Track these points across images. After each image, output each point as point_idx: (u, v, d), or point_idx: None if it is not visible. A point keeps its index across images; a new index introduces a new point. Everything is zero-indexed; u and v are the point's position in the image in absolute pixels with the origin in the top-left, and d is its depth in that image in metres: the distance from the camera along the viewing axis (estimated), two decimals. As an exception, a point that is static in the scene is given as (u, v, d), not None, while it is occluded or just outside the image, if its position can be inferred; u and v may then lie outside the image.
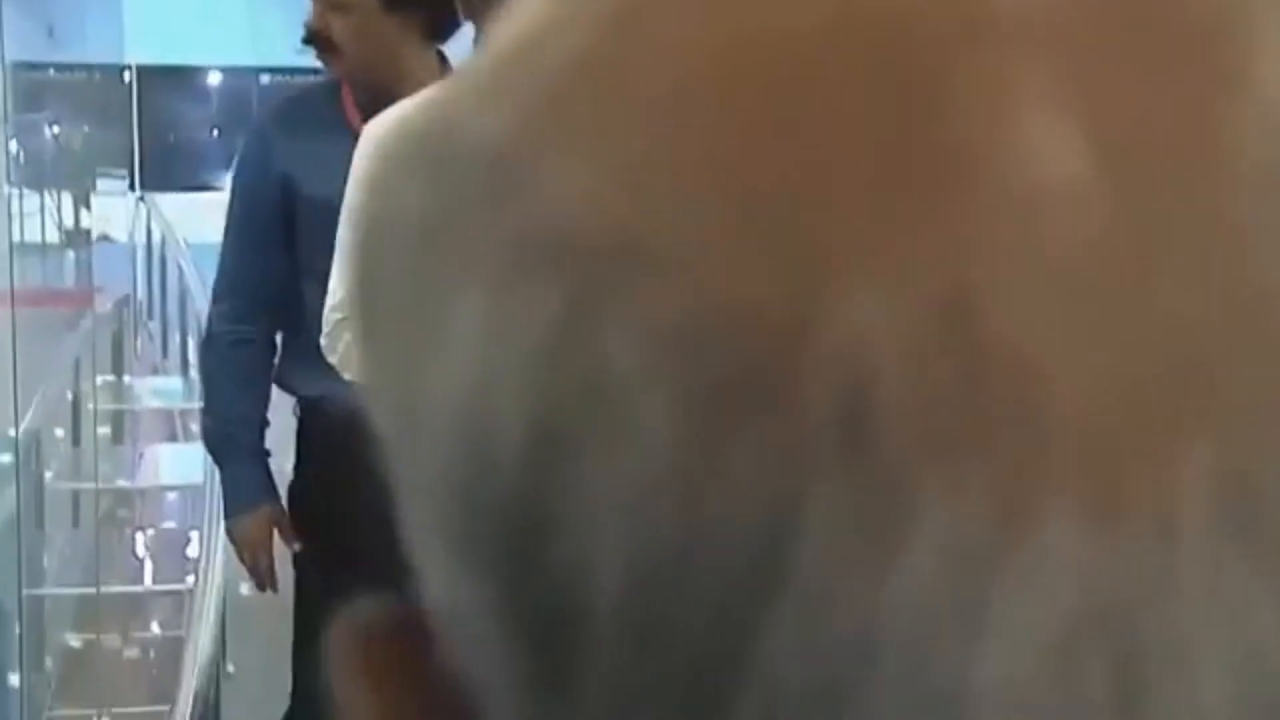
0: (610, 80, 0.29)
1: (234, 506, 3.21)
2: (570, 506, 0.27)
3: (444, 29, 3.13)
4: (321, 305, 2.94)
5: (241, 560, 3.24)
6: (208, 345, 3.25)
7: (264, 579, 3.23)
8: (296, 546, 3.15)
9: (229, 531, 3.24)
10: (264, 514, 3.16)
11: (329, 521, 3.06)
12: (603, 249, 0.27)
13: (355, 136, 2.98)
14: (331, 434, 2.96)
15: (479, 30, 2.79)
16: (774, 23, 0.28)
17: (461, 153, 0.31)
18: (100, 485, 5.88)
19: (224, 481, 3.26)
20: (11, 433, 5.23)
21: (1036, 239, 0.25)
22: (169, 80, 18.88)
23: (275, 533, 3.18)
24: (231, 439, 3.15)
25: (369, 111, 2.98)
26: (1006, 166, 0.26)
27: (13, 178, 8.68)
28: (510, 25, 0.32)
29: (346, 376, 2.78)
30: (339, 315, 2.73)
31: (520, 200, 0.29)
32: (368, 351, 0.34)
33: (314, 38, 3.08)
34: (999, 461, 0.25)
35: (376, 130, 2.75)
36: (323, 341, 2.76)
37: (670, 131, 0.28)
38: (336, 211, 2.93)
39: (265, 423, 3.19)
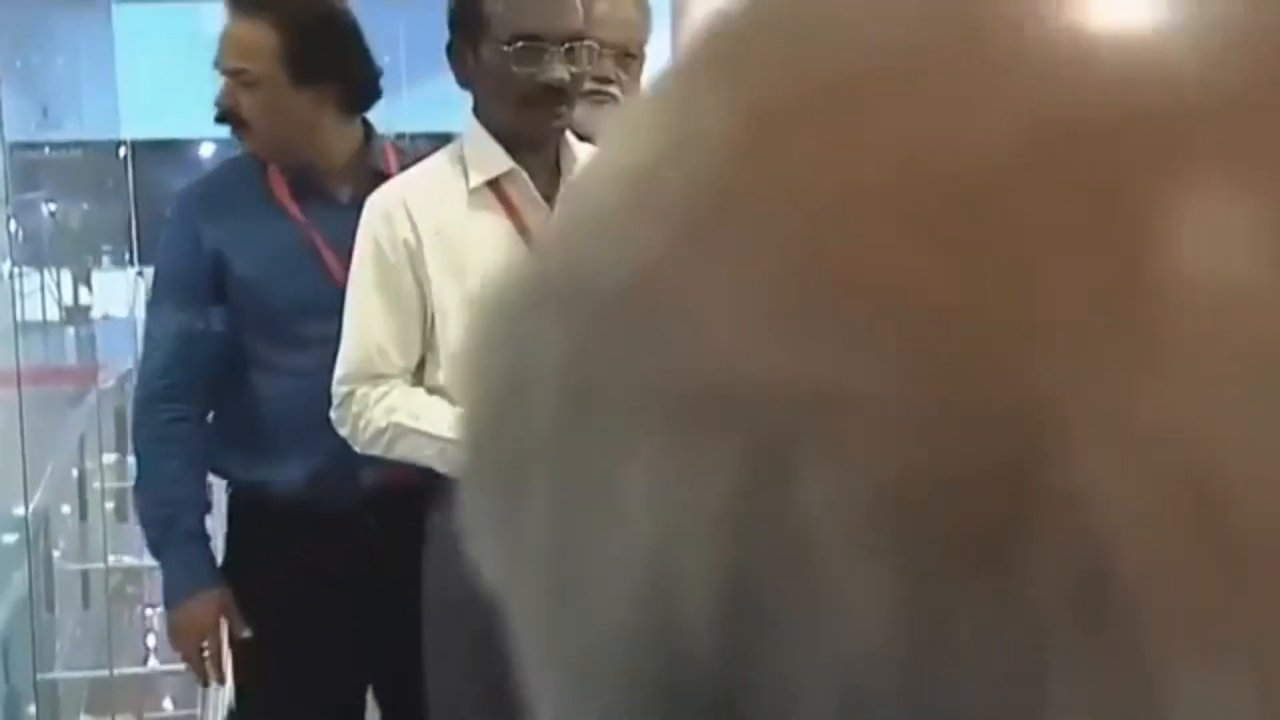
0: (759, 205, 0.26)
1: (178, 594, 3.04)
2: (770, 684, 0.25)
3: (363, 100, 3.06)
4: (252, 380, 2.94)
5: (181, 650, 3.09)
6: (143, 424, 3.08)
7: (209, 669, 3.08)
8: (246, 632, 3.02)
9: (171, 621, 3.08)
10: (211, 599, 3.01)
11: (263, 607, 2.99)
12: (782, 401, 0.25)
13: (284, 211, 2.97)
14: (268, 519, 2.94)
15: (476, 97, 2.79)
16: (948, 137, 0.25)
17: (600, 295, 0.28)
18: (109, 564, 5.85)
19: (165, 568, 3.09)
20: (19, 512, 5.22)
21: (1276, 395, 0.23)
22: (163, 154, 18.91)
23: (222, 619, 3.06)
24: (172, 522, 3.00)
25: (298, 186, 2.98)
26: (1229, 312, 0.23)
27: (13, 256, 8.70)
28: (620, 143, 0.30)
29: (356, 449, 2.76)
30: (347, 389, 2.72)
31: (676, 347, 0.26)
32: (502, 519, 0.31)
33: (225, 114, 2.99)
34: (1263, 653, 0.22)
35: (381, 202, 2.75)
36: (333, 415, 2.74)
37: (838, 262, 0.25)
38: (269, 290, 2.94)
39: (207, 505, 3.09)
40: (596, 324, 0.28)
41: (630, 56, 3.32)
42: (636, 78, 3.35)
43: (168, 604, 3.07)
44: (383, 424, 2.71)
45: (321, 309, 2.85)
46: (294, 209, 3.00)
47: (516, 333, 0.30)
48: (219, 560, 3.09)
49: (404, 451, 2.74)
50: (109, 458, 6.95)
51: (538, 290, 0.30)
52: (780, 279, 0.25)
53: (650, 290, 0.27)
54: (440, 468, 2.72)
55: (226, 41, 2.98)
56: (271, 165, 3.04)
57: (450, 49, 2.79)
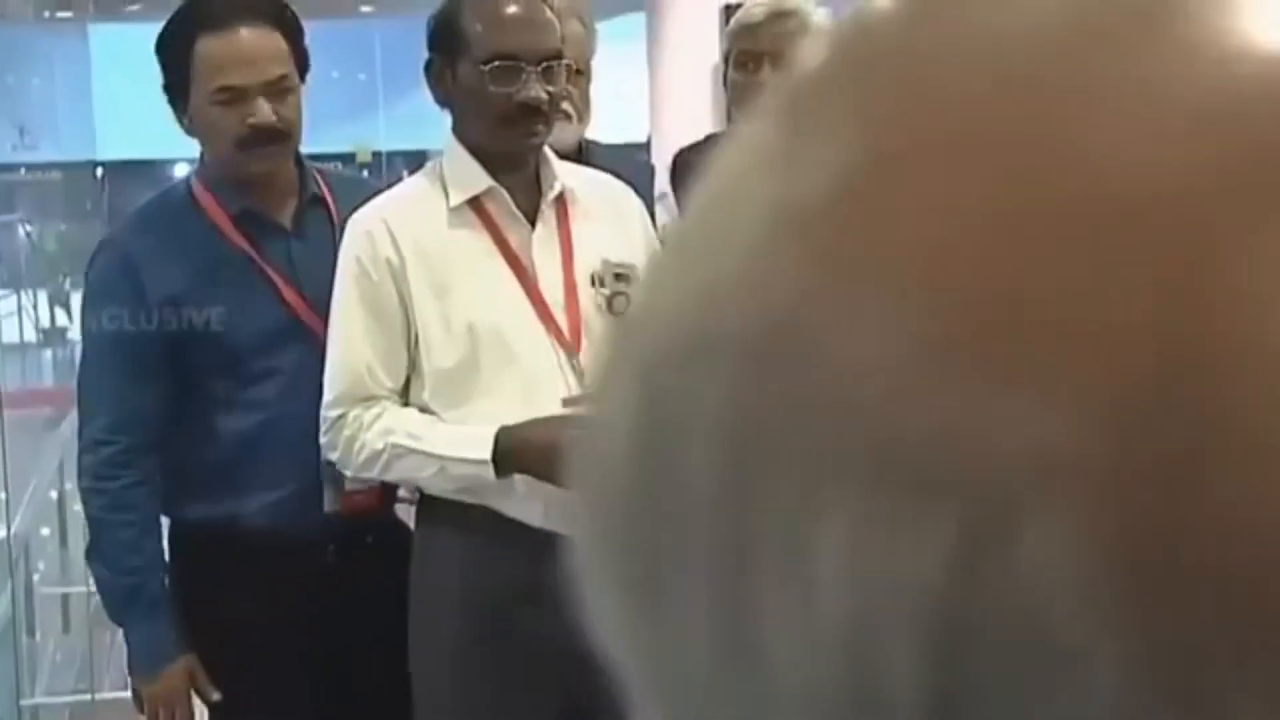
0: (918, 234, 0.24)
1: (147, 667, 2.90)
2: None
3: None
4: (212, 420, 2.86)
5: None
6: (95, 491, 2.87)
7: None
8: (216, 696, 2.91)
9: (138, 691, 2.93)
10: (180, 669, 2.88)
11: (211, 639, 2.90)
12: (995, 459, 0.22)
13: (230, 245, 2.87)
14: (225, 557, 2.87)
15: (454, 115, 2.79)
16: (1129, 151, 0.23)
17: (753, 341, 0.26)
18: (90, 588, 5.82)
19: (131, 640, 2.94)
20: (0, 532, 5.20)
21: None
22: (137, 175, 18.92)
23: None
24: (135, 592, 2.86)
25: (241, 217, 2.89)
26: None
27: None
28: (743, 176, 0.27)
29: (347, 472, 2.76)
30: (338, 412, 2.71)
31: (849, 397, 0.24)
32: (645, 578, 0.28)
33: (267, 133, 2.82)
34: None
35: (363, 222, 2.73)
36: (322, 439, 2.73)
37: (1015, 293, 0.23)
38: (228, 330, 2.84)
39: (165, 566, 2.93)
40: (753, 373, 0.26)
41: (578, 73, 3.33)
42: (585, 92, 3.41)
43: (135, 674, 2.94)
44: (379, 446, 2.69)
45: (281, 340, 2.84)
46: (241, 242, 2.88)
47: (654, 385, 0.28)
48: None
49: (401, 472, 2.72)
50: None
51: (672, 339, 0.27)
52: (950, 313, 0.23)
53: (809, 334, 0.25)
54: (438, 488, 2.71)
55: (246, 54, 2.81)
56: (199, 192, 2.90)
57: (428, 67, 2.79)
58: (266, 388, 2.84)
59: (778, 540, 0.25)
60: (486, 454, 2.62)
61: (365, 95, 18.99)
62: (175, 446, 2.89)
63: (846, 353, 0.24)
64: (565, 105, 3.26)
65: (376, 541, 2.96)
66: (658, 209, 3.40)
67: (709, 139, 3.78)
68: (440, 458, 2.64)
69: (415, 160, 18.23)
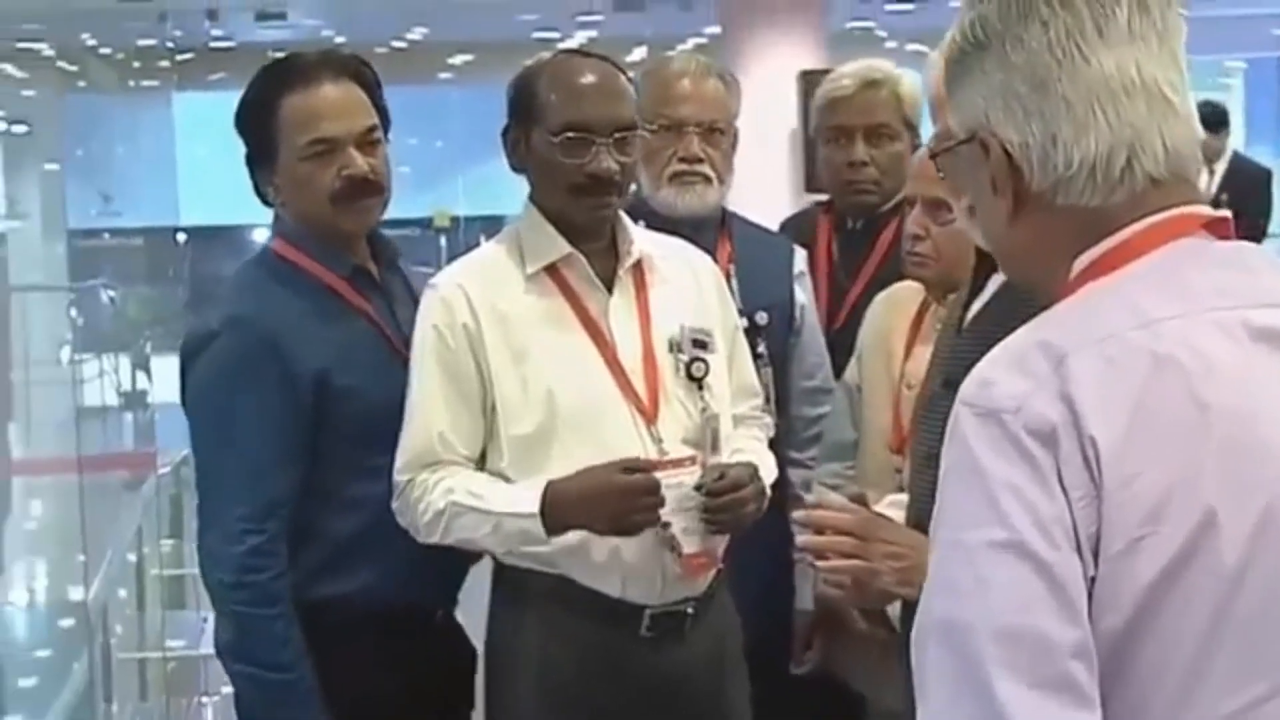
0: None
1: None
2: None
3: None
4: (344, 492, 2.77)
5: None
6: (240, 586, 2.69)
7: None
8: None
9: None
10: None
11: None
12: None
13: (342, 299, 2.80)
14: (342, 630, 2.74)
15: (531, 184, 2.77)
16: None
17: None
18: (166, 653, 5.82)
19: None
20: (78, 597, 5.20)
21: None
22: (217, 240, 19.11)
23: None
24: (290, 687, 2.71)
25: (348, 265, 2.82)
26: None
27: (74, 343, 8.77)
28: None
29: (419, 539, 2.73)
30: (405, 478, 2.69)
31: None
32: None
33: (361, 185, 2.78)
34: None
35: (440, 289, 2.71)
36: (394, 505, 2.70)
37: None
38: (366, 394, 2.74)
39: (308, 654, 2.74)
40: None
41: (718, 132, 3.27)
42: (727, 154, 3.30)
43: None
44: (440, 505, 2.66)
45: (399, 401, 2.76)
46: (362, 303, 2.82)
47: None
48: None
49: (461, 532, 2.68)
50: (165, 544, 6.95)
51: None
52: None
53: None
54: (494, 547, 2.68)
55: (336, 106, 2.78)
56: (305, 261, 2.81)
57: (505, 134, 2.78)
58: (391, 454, 2.74)
59: None
60: (535, 507, 2.60)
61: (443, 161, 19.12)
62: (303, 524, 2.75)
63: None
64: (704, 168, 3.23)
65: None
66: (796, 287, 3.33)
67: (814, 206, 3.74)
68: (494, 514, 2.62)
69: (493, 225, 18.31)
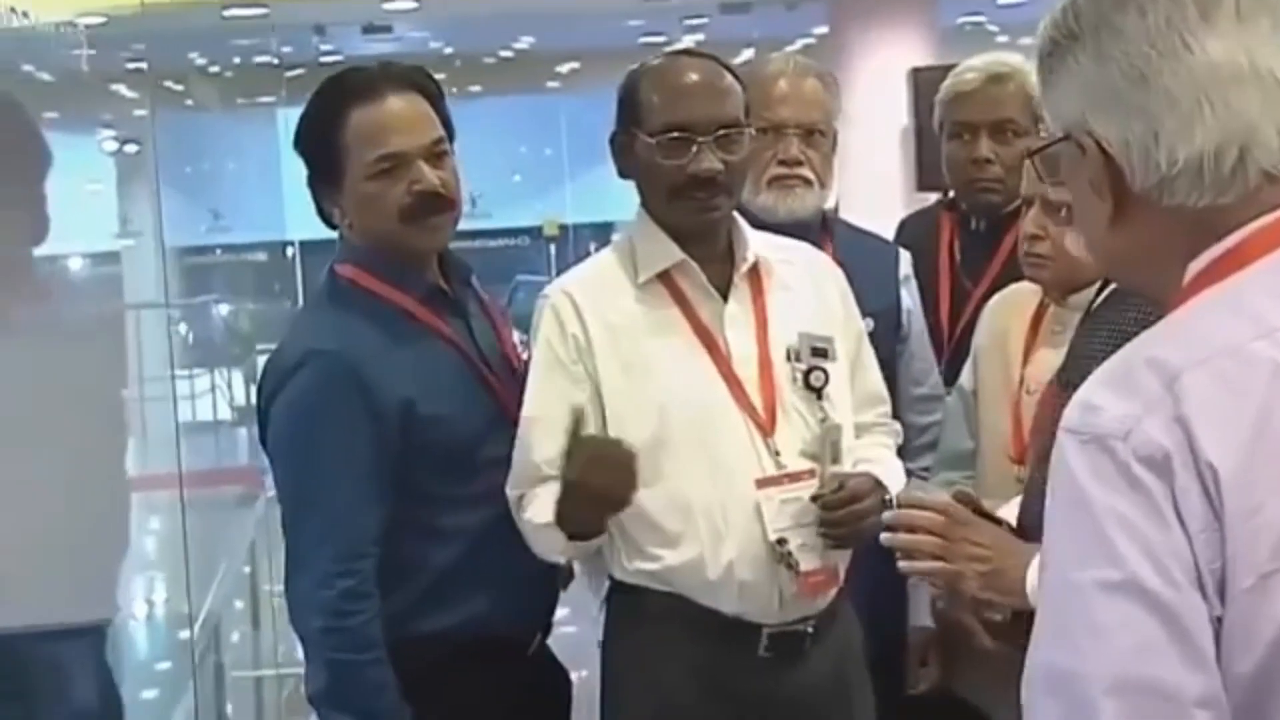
0: None
1: None
2: None
3: None
4: (434, 526, 2.65)
5: None
6: (333, 631, 2.57)
7: None
8: None
9: None
10: None
11: None
12: None
13: (417, 323, 2.67)
14: (437, 664, 2.64)
15: (641, 188, 2.68)
16: None
17: None
18: (281, 671, 5.81)
19: None
20: (187, 611, 5.18)
21: None
22: (325, 252, 19.27)
23: None
24: None
25: (422, 285, 2.70)
26: None
27: (182, 359, 8.83)
28: None
29: (536, 551, 2.65)
30: (517, 493, 2.61)
31: None
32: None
33: (433, 200, 2.64)
34: None
35: (551, 299, 2.64)
36: (518, 522, 2.63)
37: None
38: (454, 422, 2.62)
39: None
40: None
41: (818, 134, 3.15)
42: (827, 157, 3.18)
43: None
44: (538, 521, 2.58)
45: (491, 425, 2.67)
46: (439, 324, 2.69)
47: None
48: None
49: (546, 548, 2.62)
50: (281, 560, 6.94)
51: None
52: None
53: None
54: (556, 557, 2.64)
55: (403, 119, 2.67)
56: (373, 283, 2.67)
57: (613, 140, 2.70)
58: (480, 482, 2.64)
59: None
60: (550, 516, 2.54)
61: (552, 169, 19.17)
62: (396, 560, 2.62)
63: None
64: (804, 170, 3.11)
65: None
66: (902, 291, 3.20)
67: (936, 205, 3.61)
68: (543, 526, 2.56)
69: (602, 232, 18.45)
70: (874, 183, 9.13)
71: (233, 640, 6.25)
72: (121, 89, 5.24)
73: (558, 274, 2.79)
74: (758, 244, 2.68)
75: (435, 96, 2.74)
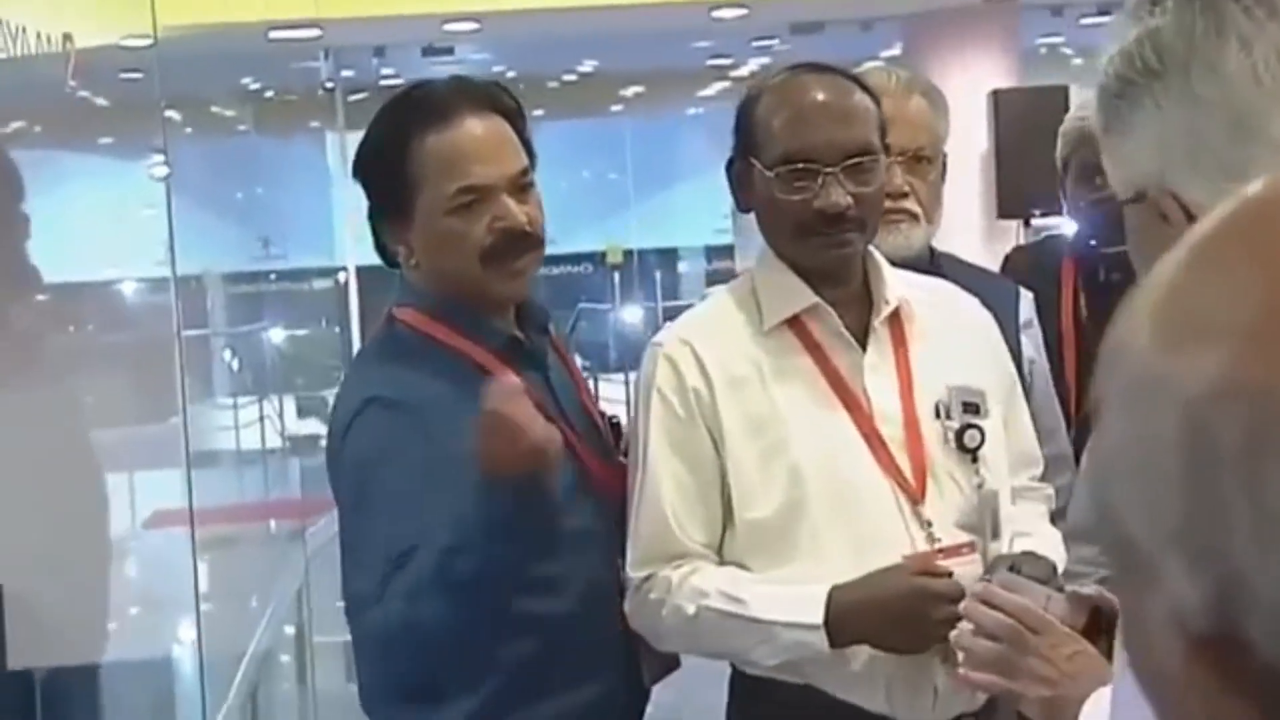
0: None
1: None
2: None
3: None
4: (515, 606, 2.27)
5: None
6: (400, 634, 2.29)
7: None
8: None
9: None
10: None
11: None
12: None
13: (488, 375, 2.26)
14: None
15: (763, 223, 2.36)
16: None
17: None
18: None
19: None
20: (242, 651, 4.98)
21: None
22: (379, 278, 19.19)
23: None
24: None
25: (500, 335, 2.38)
26: None
27: (230, 388, 8.59)
28: None
29: (656, 645, 2.35)
30: (642, 574, 2.29)
31: None
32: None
33: (520, 239, 2.33)
34: None
35: (665, 347, 2.32)
36: (626, 607, 2.33)
37: None
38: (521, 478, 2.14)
39: None
40: None
41: (925, 160, 2.82)
42: (935, 186, 2.86)
43: None
44: (690, 610, 2.25)
45: (575, 493, 2.32)
46: (509, 374, 2.25)
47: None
48: None
49: (716, 643, 2.29)
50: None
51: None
52: None
53: None
54: (760, 662, 2.26)
55: (485, 147, 2.34)
56: (442, 332, 2.37)
57: (729, 168, 2.38)
58: (569, 558, 2.32)
59: None
60: (818, 618, 2.18)
61: (616, 194, 18.93)
62: (473, 650, 2.29)
63: None
64: (909, 204, 2.78)
65: None
66: (1023, 338, 2.82)
67: (1046, 239, 3.33)
68: (763, 623, 2.21)
69: (666, 258, 18.32)
70: (951, 210, 8.81)
71: (281, 681, 6.05)
72: (173, 114, 5.03)
73: (621, 302, 2.44)
74: (899, 285, 2.35)
75: (516, 116, 2.41)
